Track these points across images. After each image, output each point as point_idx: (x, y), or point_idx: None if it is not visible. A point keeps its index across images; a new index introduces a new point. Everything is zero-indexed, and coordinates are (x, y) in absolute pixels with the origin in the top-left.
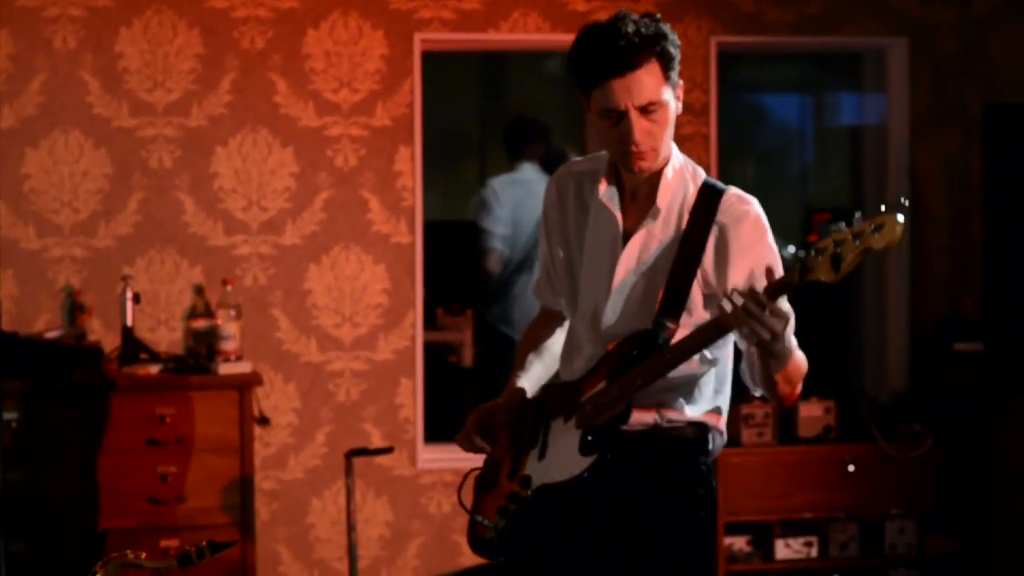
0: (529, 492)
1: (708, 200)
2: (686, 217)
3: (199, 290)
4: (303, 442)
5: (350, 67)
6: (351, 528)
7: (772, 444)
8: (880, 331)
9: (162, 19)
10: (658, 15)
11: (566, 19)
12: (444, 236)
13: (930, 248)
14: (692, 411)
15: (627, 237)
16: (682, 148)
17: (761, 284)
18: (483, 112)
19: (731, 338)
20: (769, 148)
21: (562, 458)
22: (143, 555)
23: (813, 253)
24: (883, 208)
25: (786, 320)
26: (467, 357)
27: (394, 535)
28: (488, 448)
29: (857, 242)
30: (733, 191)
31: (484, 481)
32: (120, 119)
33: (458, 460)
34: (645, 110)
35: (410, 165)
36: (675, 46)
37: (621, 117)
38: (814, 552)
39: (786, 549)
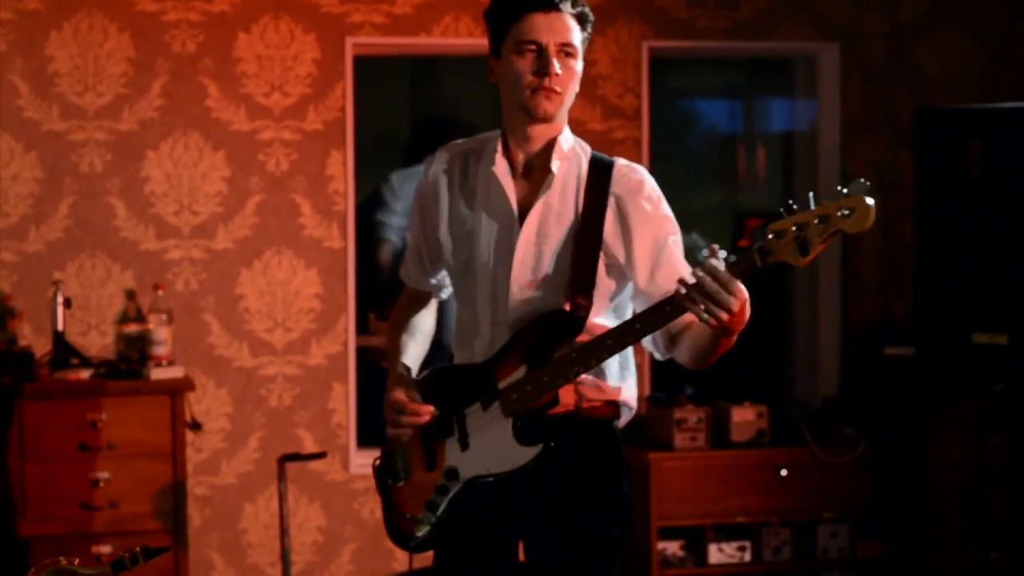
0: (460, 483)
1: (599, 174)
2: (583, 192)
3: (130, 295)
4: (235, 447)
5: (282, 71)
6: (284, 533)
7: (705, 449)
8: (812, 335)
9: (92, 22)
10: None
11: None
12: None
13: (861, 252)
14: (606, 388)
15: (523, 213)
16: (614, 152)
17: (665, 252)
18: (414, 115)
19: (628, 311)
20: (699, 153)
21: (496, 448)
22: (76, 561)
23: (771, 236)
24: (844, 190)
25: (743, 301)
26: None
27: (327, 540)
28: (423, 411)
29: (823, 225)
30: (621, 162)
31: (386, 473)
32: (50, 123)
33: None
34: (562, 51)
35: (342, 169)
36: (591, 17)
37: (540, 52)
38: (747, 556)
39: (719, 553)
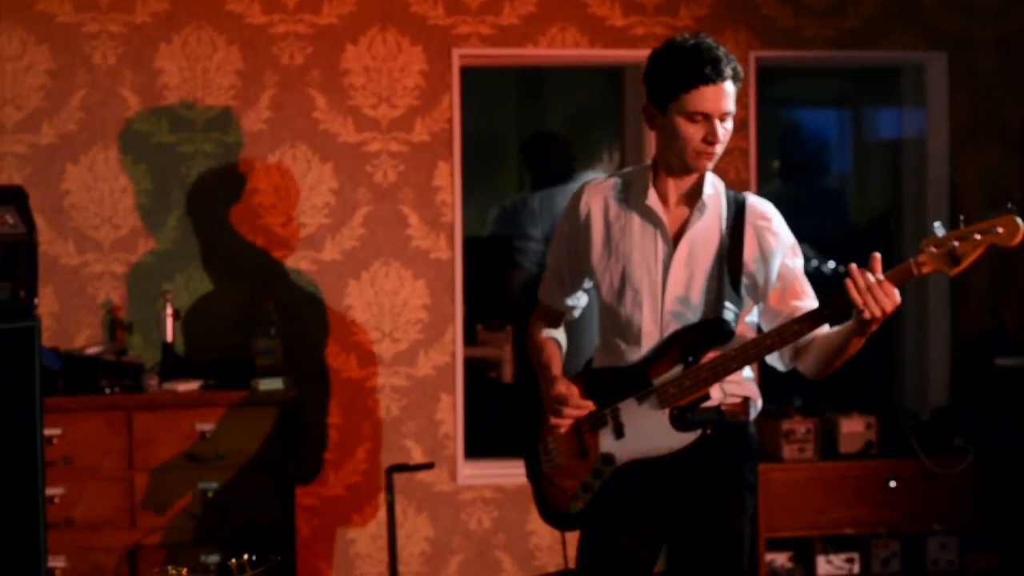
0: (614, 467)
1: (736, 206)
2: (725, 221)
3: (239, 306)
4: (343, 458)
5: (389, 83)
6: (392, 544)
7: (813, 460)
8: (921, 346)
9: (201, 35)
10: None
11: (604, 34)
12: (483, 251)
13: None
14: (744, 385)
15: (675, 238)
16: (722, 161)
17: (793, 277)
18: (520, 124)
19: (746, 320)
20: (806, 163)
21: (654, 435)
22: (184, 570)
23: (932, 248)
24: (991, 214)
25: (895, 303)
26: (507, 373)
27: (435, 551)
28: (584, 405)
29: (978, 237)
30: (751, 197)
31: (540, 461)
32: (160, 135)
33: (498, 476)
34: (723, 117)
35: (449, 180)
36: (742, 73)
37: (707, 120)
38: (856, 568)
39: (828, 565)
